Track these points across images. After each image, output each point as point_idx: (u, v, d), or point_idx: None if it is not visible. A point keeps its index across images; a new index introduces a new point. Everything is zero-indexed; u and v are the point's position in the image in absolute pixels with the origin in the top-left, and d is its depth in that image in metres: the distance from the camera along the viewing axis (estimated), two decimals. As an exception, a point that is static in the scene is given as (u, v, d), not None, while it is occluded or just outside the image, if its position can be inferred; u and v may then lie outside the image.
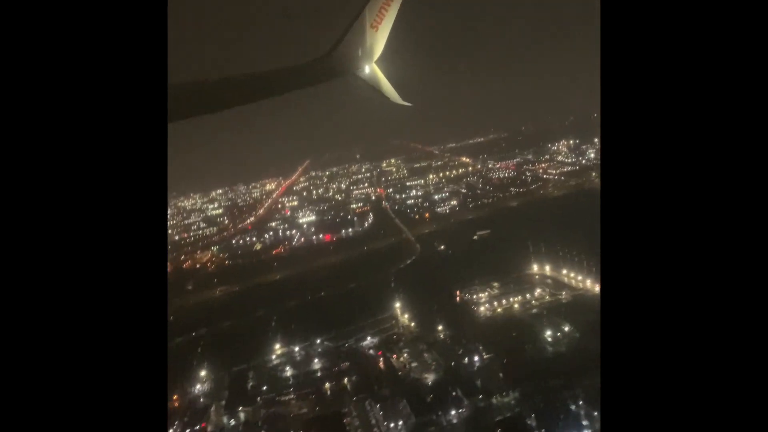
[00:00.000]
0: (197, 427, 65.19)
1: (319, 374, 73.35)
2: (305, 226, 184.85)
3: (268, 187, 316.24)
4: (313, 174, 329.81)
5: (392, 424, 56.83)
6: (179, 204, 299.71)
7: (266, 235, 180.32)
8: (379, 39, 19.87)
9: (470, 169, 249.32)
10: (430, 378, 66.66)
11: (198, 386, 75.94)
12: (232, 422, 65.32)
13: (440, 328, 79.07)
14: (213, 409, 69.34)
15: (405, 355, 72.64)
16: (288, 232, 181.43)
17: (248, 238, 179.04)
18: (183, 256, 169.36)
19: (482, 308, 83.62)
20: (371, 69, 19.90)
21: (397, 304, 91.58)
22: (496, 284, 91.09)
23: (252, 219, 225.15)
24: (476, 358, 67.72)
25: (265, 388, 71.60)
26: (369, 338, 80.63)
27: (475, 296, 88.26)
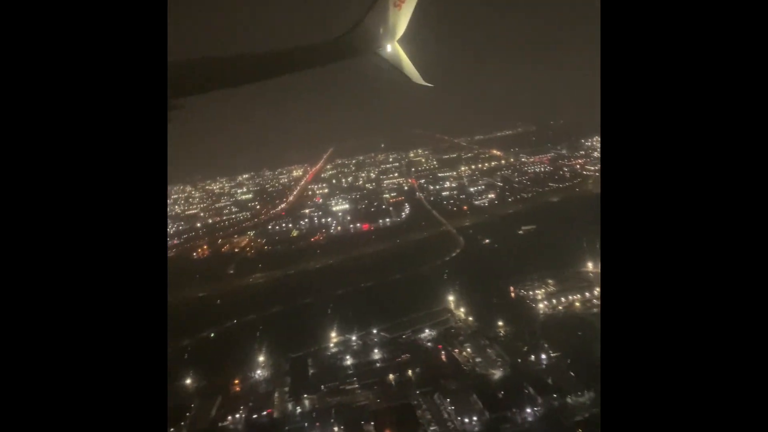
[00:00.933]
0: (264, 412, 65.52)
1: (379, 365, 73.33)
2: (340, 214, 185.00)
3: (295, 173, 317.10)
4: (339, 162, 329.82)
5: (466, 419, 56.62)
6: (207, 187, 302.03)
7: (301, 222, 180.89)
8: (402, 18, 19.58)
9: (503, 162, 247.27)
10: (496, 374, 66.37)
11: (258, 371, 76.22)
12: (298, 409, 65.45)
13: (500, 323, 78.62)
14: (276, 395, 69.70)
15: (468, 349, 72.31)
16: (323, 220, 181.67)
17: (283, 225, 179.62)
18: (219, 240, 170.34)
19: (541, 305, 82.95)
20: (393, 48, 19.66)
21: (450, 298, 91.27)
22: (551, 281, 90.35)
23: (284, 205, 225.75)
24: (543, 356, 67.28)
25: (325, 376, 71.70)
26: (427, 331, 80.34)
27: (531, 293, 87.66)
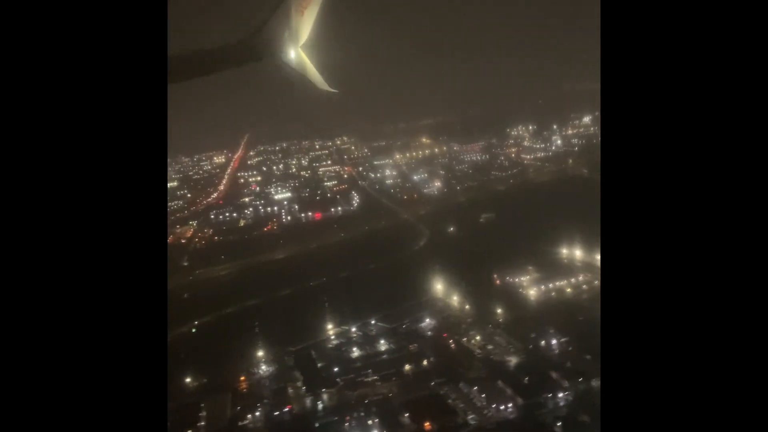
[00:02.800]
0: (284, 409, 64.05)
1: (387, 356, 73.46)
2: (285, 203, 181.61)
3: (216, 159, 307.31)
4: (262, 148, 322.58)
5: (501, 407, 58.23)
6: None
7: (246, 212, 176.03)
8: (305, 23, 19.60)
9: (436, 150, 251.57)
10: (512, 360, 68.48)
11: (263, 367, 74.15)
12: (320, 404, 64.53)
13: (498, 311, 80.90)
14: (290, 390, 68.23)
15: (478, 337, 73.98)
16: (268, 209, 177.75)
17: (226, 214, 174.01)
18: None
19: (531, 292, 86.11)
20: (297, 54, 19.63)
21: (437, 287, 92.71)
22: (530, 267, 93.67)
23: (217, 194, 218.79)
24: (554, 342, 70.11)
25: (336, 369, 71.00)
26: (427, 320, 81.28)
27: (516, 279, 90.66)
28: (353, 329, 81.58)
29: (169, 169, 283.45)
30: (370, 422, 58.40)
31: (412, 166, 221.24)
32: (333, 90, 21.11)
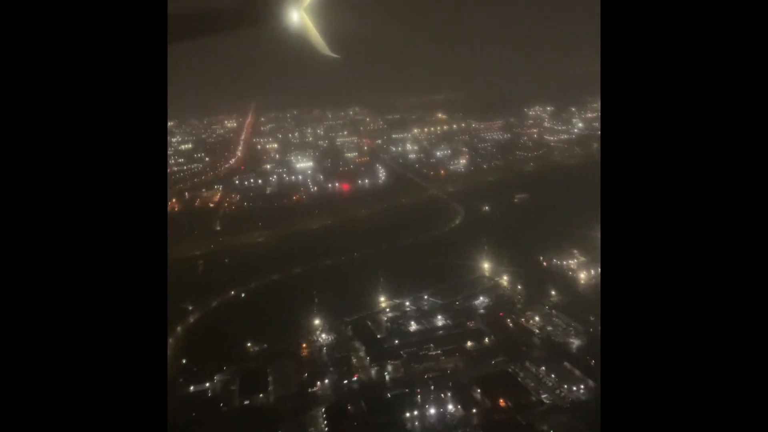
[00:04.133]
0: (353, 378, 65.01)
1: (443, 332, 74.22)
2: (309, 172, 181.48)
3: (228, 124, 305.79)
4: (273, 115, 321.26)
5: (573, 387, 59.34)
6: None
7: (270, 179, 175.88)
8: None
9: (454, 126, 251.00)
10: (575, 342, 69.56)
11: (323, 335, 75.01)
12: (386, 375, 65.53)
13: (552, 292, 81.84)
14: (354, 360, 69.10)
15: (537, 318, 74.96)
16: (291, 177, 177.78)
17: (251, 180, 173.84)
18: (186, 193, 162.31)
19: (581, 275, 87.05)
20: (300, 16, 19.29)
21: (484, 265, 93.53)
22: (575, 251, 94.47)
23: (235, 159, 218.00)
24: (614, 325, 70.99)
25: (397, 341, 71.86)
26: (481, 297, 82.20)
27: (563, 263, 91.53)
28: (407, 303, 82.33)
29: (181, 130, 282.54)
30: (442, 396, 59.43)
31: (432, 141, 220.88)
32: (335, 55, 21.05)
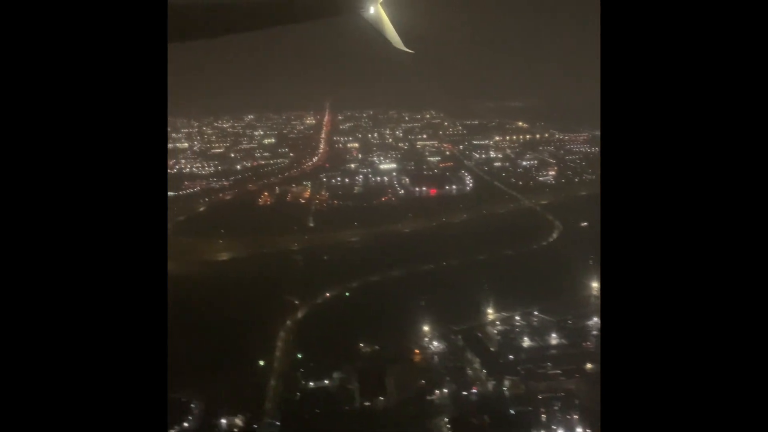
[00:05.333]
0: (473, 390, 64.49)
1: (557, 351, 72.78)
2: (394, 174, 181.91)
3: (307, 120, 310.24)
4: (349, 114, 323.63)
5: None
6: (215, 125, 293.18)
7: (357, 178, 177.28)
8: None
9: (537, 136, 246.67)
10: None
11: (434, 342, 74.78)
12: (506, 391, 64.65)
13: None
14: (469, 371, 68.59)
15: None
16: (377, 178, 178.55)
17: (338, 179, 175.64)
18: (277, 188, 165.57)
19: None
20: (376, 9, 18.95)
21: (593, 284, 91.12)
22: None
23: (319, 156, 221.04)
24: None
25: (511, 356, 70.89)
26: (594, 318, 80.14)
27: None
28: (516, 317, 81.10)
29: (261, 124, 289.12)
30: (568, 417, 58.14)
31: (516, 149, 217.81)
32: (408, 50, 20.93)
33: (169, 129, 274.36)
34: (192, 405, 60.41)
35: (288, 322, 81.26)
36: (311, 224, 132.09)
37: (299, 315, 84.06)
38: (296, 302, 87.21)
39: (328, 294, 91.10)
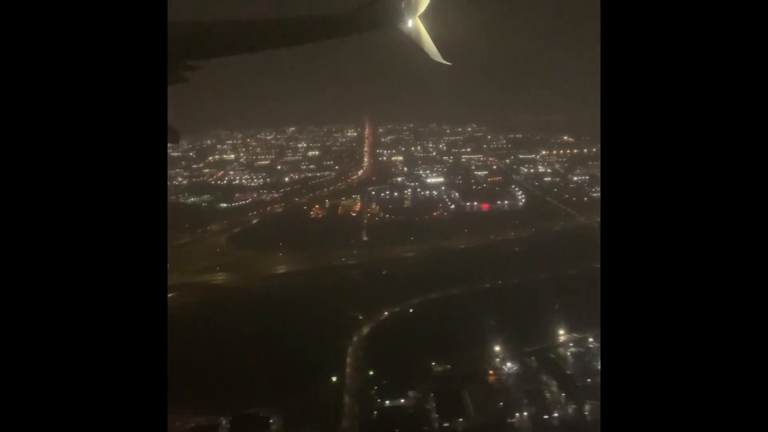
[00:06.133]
0: (554, 414, 62.75)
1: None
2: (443, 188, 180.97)
3: (348, 133, 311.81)
4: (390, 127, 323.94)
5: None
6: (258, 136, 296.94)
7: (405, 192, 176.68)
8: None
9: (585, 151, 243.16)
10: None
11: (508, 363, 73.19)
12: (587, 416, 62.75)
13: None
14: (548, 394, 66.85)
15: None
16: (425, 192, 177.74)
17: (387, 192, 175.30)
18: (327, 201, 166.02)
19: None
20: (414, 23, 19.29)
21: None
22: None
23: (364, 169, 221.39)
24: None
25: (588, 380, 68.87)
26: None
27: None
28: (590, 339, 78.98)
29: (304, 137, 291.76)
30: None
31: (565, 164, 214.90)
32: (446, 62, 21.10)
33: (213, 140, 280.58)
34: (271, 420, 59.93)
35: (354, 338, 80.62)
36: (365, 238, 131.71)
37: (365, 331, 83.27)
38: (360, 317, 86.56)
39: (389, 310, 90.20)
